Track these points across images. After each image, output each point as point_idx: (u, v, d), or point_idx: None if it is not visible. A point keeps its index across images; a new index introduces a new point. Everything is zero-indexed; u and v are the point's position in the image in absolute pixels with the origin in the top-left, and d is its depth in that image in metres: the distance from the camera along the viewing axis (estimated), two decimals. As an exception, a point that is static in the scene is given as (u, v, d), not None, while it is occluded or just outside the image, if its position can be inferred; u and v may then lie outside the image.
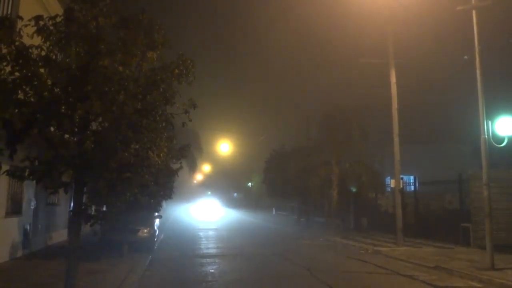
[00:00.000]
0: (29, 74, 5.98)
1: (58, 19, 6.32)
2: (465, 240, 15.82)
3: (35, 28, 6.15)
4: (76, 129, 6.37)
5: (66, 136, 6.35)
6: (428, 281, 10.06)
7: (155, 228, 15.69)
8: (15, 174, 6.25)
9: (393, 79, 17.48)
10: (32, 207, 12.74)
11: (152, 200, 12.46)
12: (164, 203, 18.08)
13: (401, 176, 17.76)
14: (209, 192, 71.61)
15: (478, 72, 11.99)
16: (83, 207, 6.87)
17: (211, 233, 23.60)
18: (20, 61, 5.96)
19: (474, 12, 12.08)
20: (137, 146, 6.61)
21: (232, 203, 59.29)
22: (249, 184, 52.04)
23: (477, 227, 14.81)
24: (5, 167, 6.33)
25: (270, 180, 35.27)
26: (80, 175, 6.48)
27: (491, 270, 10.85)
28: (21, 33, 6.07)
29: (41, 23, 6.18)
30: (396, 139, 17.14)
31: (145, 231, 14.14)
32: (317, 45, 49.71)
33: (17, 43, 5.96)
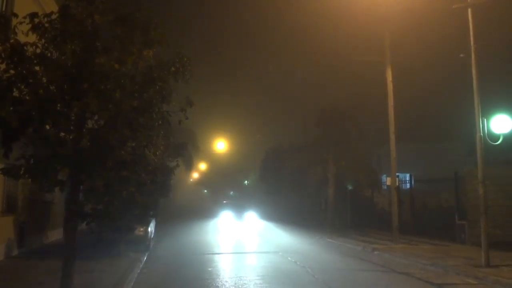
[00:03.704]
0: (24, 72, 5.94)
1: (54, 17, 6.27)
2: (461, 237, 15.89)
3: (30, 25, 6.10)
4: (72, 127, 6.33)
5: (62, 134, 6.32)
6: (425, 278, 10.10)
7: (151, 227, 15.64)
8: (11, 173, 6.21)
9: (389, 78, 17.50)
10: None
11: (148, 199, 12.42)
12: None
13: (397, 174, 17.81)
14: (205, 191, 71.38)
15: (474, 70, 12.03)
16: (79, 205, 6.83)
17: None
18: (15, 58, 5.92)
19: (469, 10, 12.12)
20: (133, 144, 6.59)
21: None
22: (246, 182, 52.05)
23: (473, 225, 14.87)
24: (0, 166, 6.29)
25: (266, 178, 35.32)
26: (76, 174, 6.44)
27: (487, 267, 10.92)
28: (16, 30, 6.03)
29: (36, 20, 6.14)
30: (392, 137, 17.19)
31: (141, 229, 14.10)
32: (313, 43, 49.77)
33: (12, 41, 5.92)
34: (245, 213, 28.72)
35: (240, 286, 9.15)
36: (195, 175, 64.58)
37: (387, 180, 18.89)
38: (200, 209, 49.39)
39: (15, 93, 5.97)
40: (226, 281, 9.80)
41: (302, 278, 10.29)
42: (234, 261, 12.94)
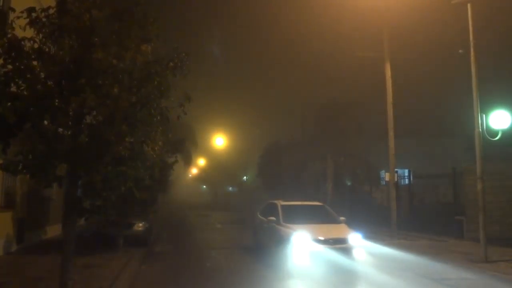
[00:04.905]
0: (22, 67, 5.90)
1: (51, 11, 6.23)
2: (458, 233, 15.96)
3: (27, 20, 6.06)
4: (70, 123, 6.30)
5: (60, 130, 6.29)
6: (423, 273, 10.14)
7: (150, 222, 15.64)
8: (9, 168, 6.19)
9: (388, 73, 17.49)
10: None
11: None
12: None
13: (396, 169, 17.84)
14: (204, 186, 71.30)
15: (473, 66, 12.04)
16: (77, 201, 6.82)
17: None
18: (13, 53, 5.88)
19: (469, 5, 12.10)
20: (131, 140, 6.56)
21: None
22: (244, 178, 52.05)
23: (471, 220, 14.94)
24: (-2, 161, 6.26)
25: (265, 174, 35.33)
26: (74, 169, 6.43)
27: (485, 262, 10.97)
28: (13, 25, 5.99)
29: (34, 15, 6.09)
30: (391, 133, 17.19)
31: (140, 225, 14.11)
32: (312, 39, 49.62)
33: (9, 36, 5.88)
34: (343, 232, 10.78)
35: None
36: (194, 171, 64.59)
37: (385, 176, 18.93)
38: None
39: (13, 89, 5.94)
40: (225, 275, 9.76)
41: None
42: (230, 253, 12.88)
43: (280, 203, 12.47)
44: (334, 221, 11.74)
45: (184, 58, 6.91)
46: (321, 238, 10.09)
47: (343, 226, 11.27)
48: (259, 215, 13.63)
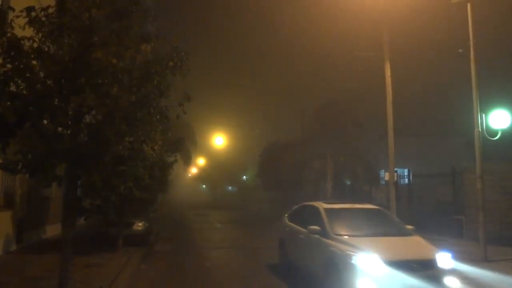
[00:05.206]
0: (21, 66, 5.90)
1: (50, 10, 6.23)
2: (458, 232, 15.96)
3: (26, 19, 6.05)
4: (69, 122, 6.30)
5: (60, 129, 6.29)
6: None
7: (150, 222, 15.64)
8: (8, 168, 6.18)
9: (387, 73, 17.44)
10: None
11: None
12: None
13: (396, 169, 17.81)
14: (204, 186, 71.29)
15: (472, 65, 12.04)
16: (77, 200, 6.82)
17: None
18: (12, 53, 5.87)
19: (469, 5, 12.10)
20: (131, 139, 6.56)
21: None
22: (244, 177, 52.06)
23: (470, 220, 14.94)
24: (-2, 161, 6.26)
25: (264, 174, 35.33)
26: (73, 169, 6.42)
27: (484, 261, 10.97)
28: (13, 24, 5.98)
29: (33, 14, 6.08)
30: (390, 133, 17.16)
31: (140, 224, 14.10)
32: (312, 39, 49.67)
33: (8, 35, 5.87)
34: (426, 251, 7.41)
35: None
36: (193, 171, 64.63)
37: (385, 175, 18.92)
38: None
39: (12, 88, 5.93)
40: (226, 275, 9.73)
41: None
42: (231, 253, 12.85)
43: (323, 206, 8.89)
44: (402, 232, 8.25)
45: (184, 58, 6.91)
46: (398, 259, 6.73)
47: (419, 241, 7.88)
48: (287, 221, 10.34)
